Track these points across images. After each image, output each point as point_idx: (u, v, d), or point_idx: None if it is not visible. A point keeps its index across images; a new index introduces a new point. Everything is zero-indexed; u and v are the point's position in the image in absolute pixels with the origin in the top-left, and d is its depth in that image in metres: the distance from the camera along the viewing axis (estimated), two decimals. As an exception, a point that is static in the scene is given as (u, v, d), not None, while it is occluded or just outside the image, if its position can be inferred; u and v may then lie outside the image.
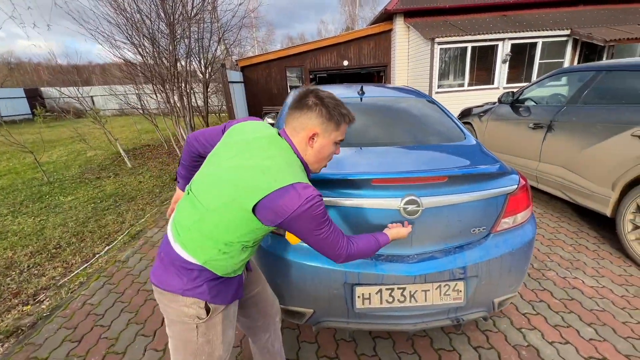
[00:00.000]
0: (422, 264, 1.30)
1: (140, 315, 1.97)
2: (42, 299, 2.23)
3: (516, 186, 1.40)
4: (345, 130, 1.01)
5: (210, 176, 0.94)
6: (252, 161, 0.89)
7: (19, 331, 1.90)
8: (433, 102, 2.28)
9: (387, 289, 1.31)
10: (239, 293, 1.05)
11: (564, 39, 7.86)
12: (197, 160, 1.15)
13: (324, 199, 1.24)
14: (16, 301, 2.22)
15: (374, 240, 1.08)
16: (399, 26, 9.16)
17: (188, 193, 0.97)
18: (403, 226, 1.19)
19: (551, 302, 1.97)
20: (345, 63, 10.03)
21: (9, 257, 2.86)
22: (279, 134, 0.99)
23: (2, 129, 5.27)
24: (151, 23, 6.02)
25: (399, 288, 1.31)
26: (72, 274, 2.53)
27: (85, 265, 2.66)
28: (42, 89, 18.54)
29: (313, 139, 0.96)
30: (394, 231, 1.16)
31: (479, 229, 1.37)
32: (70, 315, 2.01)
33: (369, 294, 1.31)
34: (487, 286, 1.37)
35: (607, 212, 2.50)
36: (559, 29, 7.66)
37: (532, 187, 3.39)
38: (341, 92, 2.33)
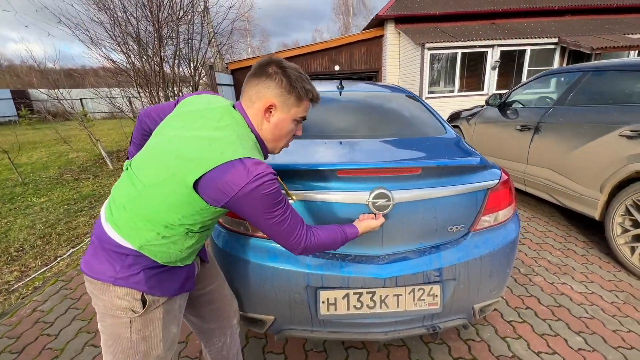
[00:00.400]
0: (393, 266, 1.17)
1: (93, 323, 1.79)
2: (-11, 306, 2.04)
3: (497, 181, 1.29)
4: (307, 107, 0.91)
5: (152, 148, 0.82)
6: (200, 132, 0.79)
7: (-45, 341, 1.71)
8: (414, 96, 2.18)
9: (354, 293, 1.18)
10: (187, 285, 0.91)
11: (552, 47, 7.94)
12: (148, 137, 1.03)
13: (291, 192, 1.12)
14: (-39, 308, 2.03)
15: (340, 232, 0.97)
16: (390, 32, 9.20)
17: (127, 169, 0.85)
18: (375, 218, 1.08)
19: (538, 309, 1.85)
20: (337, 68, 10.01)
21: (-36, 260, 2.66)
22: (234, 106, 0.88)
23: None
24: (137, 22, 5.90)
25: (368, 292, 1.18)
26: (28, 279, 2.34)
27: (45, 268, 2.47)
28: (30, 90, 18.21)
29: (270, 111, 0.86)
30: (364, 224, 1.05)
31: (456, 227, 1.24)
32: (16, 323, 1.82)
33: (335, 298, 1.17)
34: (466, 290, 1.24)
35: (596, 215, 2.41)
36: (546, 37, 7.75)
37: (520, 191, 3.30)
38: (322, 87, 2.22)
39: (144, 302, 0.81)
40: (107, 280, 0.79)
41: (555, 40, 7.74)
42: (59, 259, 2.63)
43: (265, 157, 0.93)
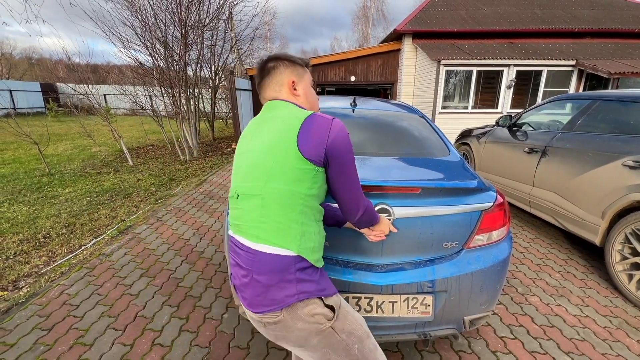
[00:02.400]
0: (391, 275, 1.29)
1: (114, 309, 1.96)
2: (21, 286, 2.24)
3: (492, 203, 1.40)
4: (310, 71, 1.10)
5: (241, 162, 0.94)
6: (268, 125, 0.93)
7: (-7, 315, 1.90)
8: (424, 117, 2.31)
9: (354, 297, 1.30)
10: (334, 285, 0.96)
11: (569, 69, 7.93)
12: None
13: None
14: (-4, 286, 2.23)
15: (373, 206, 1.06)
16: (407, 46, 9.34)
17: (236, 197, 0.91)
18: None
19: (531, 328, 1.92)
20: (353, 78, 10.19)
21: (-3, 243, 2.89)
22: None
23: (11, 120, 5.42)
24: (165, 28, 6.22)
25: (366, 297, 1.30)
26: (56, 264, 2.54)
27: (70, 255, 2.67)
28: (58, 84, 19.05)
29: (295, 88, 1.01)
30: (384, 218, 1.16)
31: (451, 244, 1.36)
32: (46, 304, 2.00)
33: (336, 300, 1.30)
34: (457, 303, 1.35)
35: (597, 240, 2.46)
36: (564, 59, 7.75)
37: (525, 212, 3.36)
38: (335, 103, 2.36)
39: (328, 306, 0.86)
40: (292, 302, 0.80)
41: (572, 62, 7.73)
42: (82, 247, 2.83)
43: None
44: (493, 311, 1.61)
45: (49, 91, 17.92)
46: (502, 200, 1.48)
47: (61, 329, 1.78)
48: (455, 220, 1.35)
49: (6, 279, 2.32)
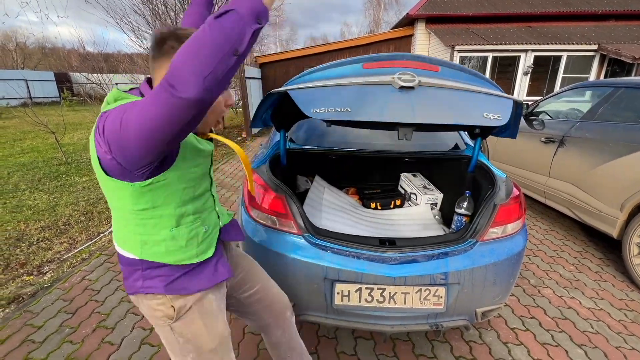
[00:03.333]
0: (403, 267, 1.30)
1: (134, 295, 2.04)
2: (45, 271, 2.34)
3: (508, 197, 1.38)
4: None
5: None
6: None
7: (20, 299, 2.00)
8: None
9: (366, 288, 1.32)
10: (217, 277, 0.92)
11: (591, 54, 7.60)
12: None
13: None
14: (22, 271, 2.34)
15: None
16: (420, 32, 9.08)
17: None
18: None
19: (543, 320, 1.92)
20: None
21: (21, 230, 3.01)
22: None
23: (29, 110, 5.54)
24: (175, 15, 6.20)
25: (378, 288, 1.31)
26: (76, 250, 2.64)
27: (89, 242, 2.77)
28: (71, 74, 19.32)
29: None
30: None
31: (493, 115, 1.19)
32: (69, 289, 2.10)
33: (349, 291, 1.32)
34: (469, 295, 1.35)
35: (614, 233, 2.41)
36: (585, 44, 7.42)
37: (539, 203, 3.30)
38: None
39: (173, 307, 0.86)
40: (138, 292, 0.85)
41: (594, 47, 7.40)
42: (101, 234, 2.93)
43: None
44: (505, 303, 1.61)
45: (63, 80, 18.23)
46: (518, 192, 1.46)
47: (84, 313, 1.87)
48: (476, 98, 1.21)
49: (31, 264, 2.42)
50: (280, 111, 1.58)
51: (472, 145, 1.88)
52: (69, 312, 1.88)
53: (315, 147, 1.84)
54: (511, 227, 1.42)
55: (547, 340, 1.76)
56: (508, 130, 1.54)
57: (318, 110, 1.13)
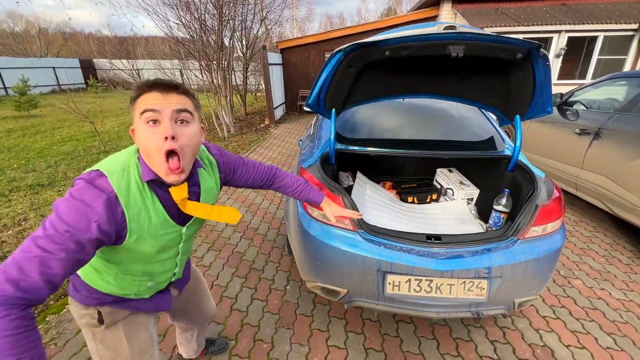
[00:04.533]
0: (451, 261, 1.44)
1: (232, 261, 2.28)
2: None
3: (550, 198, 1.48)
4: (146, 99, 0.75)
5: None
6: None
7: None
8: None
9: (415, 279, 1.47)
10: (148, 307, 1.02)
11: (630, 33, 7.17)
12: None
13: None
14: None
15: None
16: (446, 12, 8.76)
17: None
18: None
19: (573, 309, 2.03)
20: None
21: (79, 216, 3.32)
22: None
23: (63, 98, 5.82)
24: (200, 3, 6.25)
25: (426, 280, 1.46)
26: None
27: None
28: (95, 60, 19.77)
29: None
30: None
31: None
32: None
33: (399, 282, 1.48)
34: (509, 287, 1.48)
35: (648, 227, 2.45)
36: (625, 22, 6.99)
37: (570, 194, 3.32)
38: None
39: (100, 320, 0.93)
40: (71, 295, 0.94)
41: (635, 26, 6.96)
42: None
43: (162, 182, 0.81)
44: (540, 294, 1.73)
45: (87, 67, 18.70)
46: (558, 194, 1.55)
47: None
48: None
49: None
50: (337, 82, 1.70)
51: (512, 145, 1.95)
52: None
53: (361, 149, 1.96)
54: (551, 226, 1.53)
55: (577, 329, 1.88)
56: (542, 95, 1.62)
57: (389, 37, 1.48)
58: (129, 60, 7.66)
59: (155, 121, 0.74)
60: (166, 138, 0.73)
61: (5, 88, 13.76)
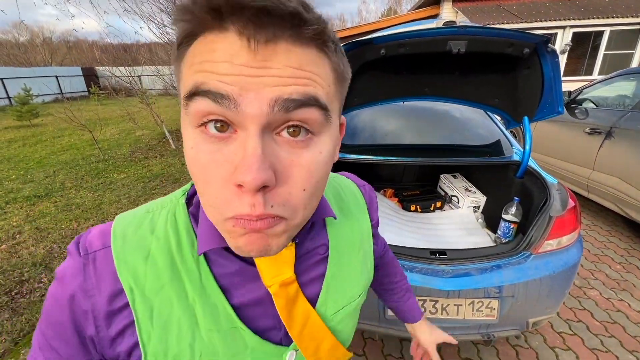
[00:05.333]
0: (457, 280, 1.31)
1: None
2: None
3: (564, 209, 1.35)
4: (206, 56, 0.27)
5: None
6: None
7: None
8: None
9: (419, 300, 1.35)
10: None
11: (637, 27, 6.98)
12: None
13: None
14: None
15: None
16: (447, 11, 8.63)
17: None
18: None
19: (591, 324, 1.89)
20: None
21: (74, 228, 3.24)
22: None
23: (63, 107, 5.81)
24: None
25: (431, 300, 1.34)
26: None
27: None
28: (97, 68, 19.92)
29: None
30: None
31: None
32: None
33: (401, 303, 1.36)
34: (522, 306, 1.36)
35: (667, 232, 2.30)
36: (632, 16, 6.81)
37: (581, 196, 3.17)
38: None
39: None
40: None
41: (642, 19, 6.79)
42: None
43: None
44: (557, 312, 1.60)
45: (89, 75, 18.85)
46: (574, 203, 1.42)
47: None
48: None
49: (89, 263, 2.62)
50: None
51: (520, 149, 1.82)
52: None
53: (359, 157, 1.85)
54: (567, 239, 1.40)
55: (596, 346, 1.74)
56: (551, 94, 1.50)
57: (384, 34, 1.38)
58: (126, 67, 7.63)
59: (224, 125, 0.28)
60: (239, 186, 0.27)
61: (9, 98, 13.88)
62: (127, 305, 0.35)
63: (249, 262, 0.39)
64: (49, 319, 0.36)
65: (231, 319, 0.38)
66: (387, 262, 0.78)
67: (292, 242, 0.40)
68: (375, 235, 0.63)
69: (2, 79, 13.87)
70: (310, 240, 0.44)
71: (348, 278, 0.48)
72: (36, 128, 8.96)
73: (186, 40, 0.28)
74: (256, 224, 0.29)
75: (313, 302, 0.44)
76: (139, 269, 0.36)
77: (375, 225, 0.59)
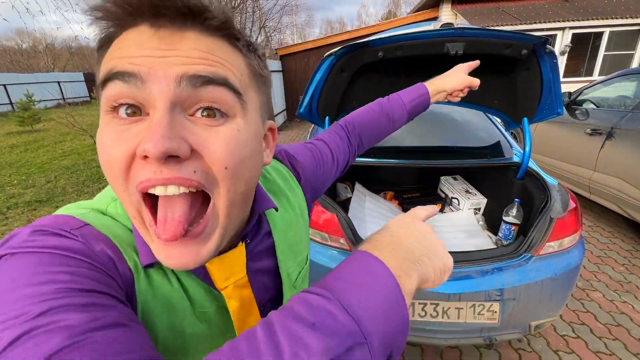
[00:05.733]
0: (458, 283, 1.30)
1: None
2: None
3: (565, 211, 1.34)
4: (118, 47, 0.29)
5: None
6: None
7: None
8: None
9: (419, 303, 1.34)
10: None
11: (637, 28, 6.99)
12: None
13: None
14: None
15: None
16: (446, 14, 8.66)
17: None
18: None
19: (594, 326, 1.87)
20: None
21: (75, 233, 3.25)
22: None
23: (65, 112, 5.84)
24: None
25: (431, 303, 1.33)
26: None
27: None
28: (98, 73, 20.05)
29: None
30: None
31: None
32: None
33: (402, 306, 1.35)
34: (524, 309, 1.34)
35: (670, 233, 2.28)
36: (631, 17, 6.82)
37: (583, 198, 3.15)
38: None
39: None
40: None
41: (641, 20, 6.80)
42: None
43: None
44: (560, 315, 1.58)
45: (91, 80, 18.96)
46: (575, 205, 1.41)
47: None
48: None
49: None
50: (330, 88, 1.59)
51: (520, 150, 1.82)
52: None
53: (359, 159, 1.84)
54: (568, 241, 1.39)
55: (600, 349, 1.72)
56: (550, 95, 1.49)
57: (382, 37, 1.38)
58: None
59: (133, 109, 0.29)
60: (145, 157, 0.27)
61: (11, 103, 13.98)
62: (126, 265, 0.32)
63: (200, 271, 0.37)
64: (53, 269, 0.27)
65: (218, 298, 0.38)
66: (361, 122, 0.74)
67: (242, 242, 0.40)
68: (320, 163, 0.61)
69: (4, 85, 13.99)
70: (258, 236, 0.44)
71: (296, 245, 0.51)
72: (38, 133, 9.01)
73: (107, 43, 0.30)
74: (167, 192, 0.28)
75: (275, 272, 0.46)
76: (129, 238, 0.34)
77: (306, 173, 0.57)
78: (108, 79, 0.28)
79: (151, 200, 0.30)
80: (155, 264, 0.34)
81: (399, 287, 0.29)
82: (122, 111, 0.28)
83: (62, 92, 14.75)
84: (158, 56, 0.27)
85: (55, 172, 5.43)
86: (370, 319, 0.26)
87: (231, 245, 0.39)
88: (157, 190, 0.28)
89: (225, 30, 0.31)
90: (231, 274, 0.39)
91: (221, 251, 0.36)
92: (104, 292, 0.27)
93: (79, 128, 5.66)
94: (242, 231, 0.39)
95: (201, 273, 0.37)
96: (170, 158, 0.27)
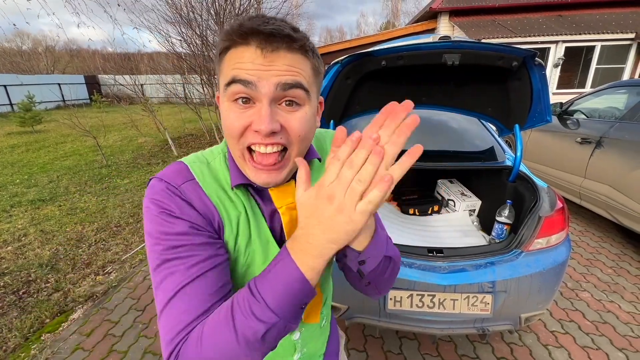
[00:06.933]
0: (453, 275, 1.40)
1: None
2: (109, 271, 2.59)
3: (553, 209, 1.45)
4: (237, 57, 0.46)
5: None
6: None
7: (94, 296, 2.25)
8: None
9: (417, 295, 1.43)
10: None
11: (628, 42, 7.24)
12: None
13: None
14: (88, 270, 2.60)
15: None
16: (444, 26, 8.90)
17: None
18: None
19: (582, 323, 1.97)
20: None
21: (79, 231, 3.30)
22: None
23: (66, 113, 5.91)
24: (202, 20, 6.40)
25: (429, 295, 1.42)
26: (132, 252, 2.88)
27: (143, 245, 3.01)
28: (99, 76, 20.15)
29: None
30: None
31: None
32: (134, 288, 2.33)
33: (401, 297, 1.44)
34: (514, 301, 1.44)
35: (655, 237, 2.40)
36: (622, 32, 7.07)
37: (574, 204, 3.28)
38: None
39: None
40: None
41: (631, 35, 7.03)
42: (152, 236, 3.17)
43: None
44: (547, 309, 1.68)
45: (92, 83, 19.06)
46: (562, 205, 1.52)
47: (153, 310, 2.08)
48: None
49: (95, 265, 2.68)
50: (335, 93, 1.70)
51: (513, 155, 1.93)
52: (139, 309, 2.10)
53: None
54: (555, 238, 1.49)
55: (587, 344, 1.82)
56: (540, 103, 1.61)
57: (384, 47, 1.50)
58: (131, 76, 7.82)
59: (246, 100, 0.47)
60: (257, 132, 0.46)
61: (11, 104, 14.01)
62: (218, 213, 0.52)
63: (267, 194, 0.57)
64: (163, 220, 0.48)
65: (267, 234, 0.56)
66: None
67: (293, 180, 0.58)
68: None
69: (5, 86, 14.03)
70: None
71: None
72: (39, 134, 9.05)
73: (224, 50, 0.48)
74: (267, 150, 0.49)
75: None
76: (219, 193, 0.53)
77: None
78: (233, 81, 0.46)
79: (249, 151, 0.50)
80: (240, 185, 0.54)
81: (298, 270, 0.41)
82: (240, 101, 0.47)
83: (62, 94, 14.79)
84: (264, 70, 0.45)
85: (57, 172, 5.49)
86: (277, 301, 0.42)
87: (287, 181, 0.57)
88: (261, 149, 0.48)
89: (303, 48, 0.48)
90: (285, 199, 0.57)
91: (279, 184, 0.55)
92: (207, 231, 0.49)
93: (81, 129, 5.74)
94: (295, 172, 0.53)
95: (269, 198, 0.57)
96: (272, 134, 0.47)
